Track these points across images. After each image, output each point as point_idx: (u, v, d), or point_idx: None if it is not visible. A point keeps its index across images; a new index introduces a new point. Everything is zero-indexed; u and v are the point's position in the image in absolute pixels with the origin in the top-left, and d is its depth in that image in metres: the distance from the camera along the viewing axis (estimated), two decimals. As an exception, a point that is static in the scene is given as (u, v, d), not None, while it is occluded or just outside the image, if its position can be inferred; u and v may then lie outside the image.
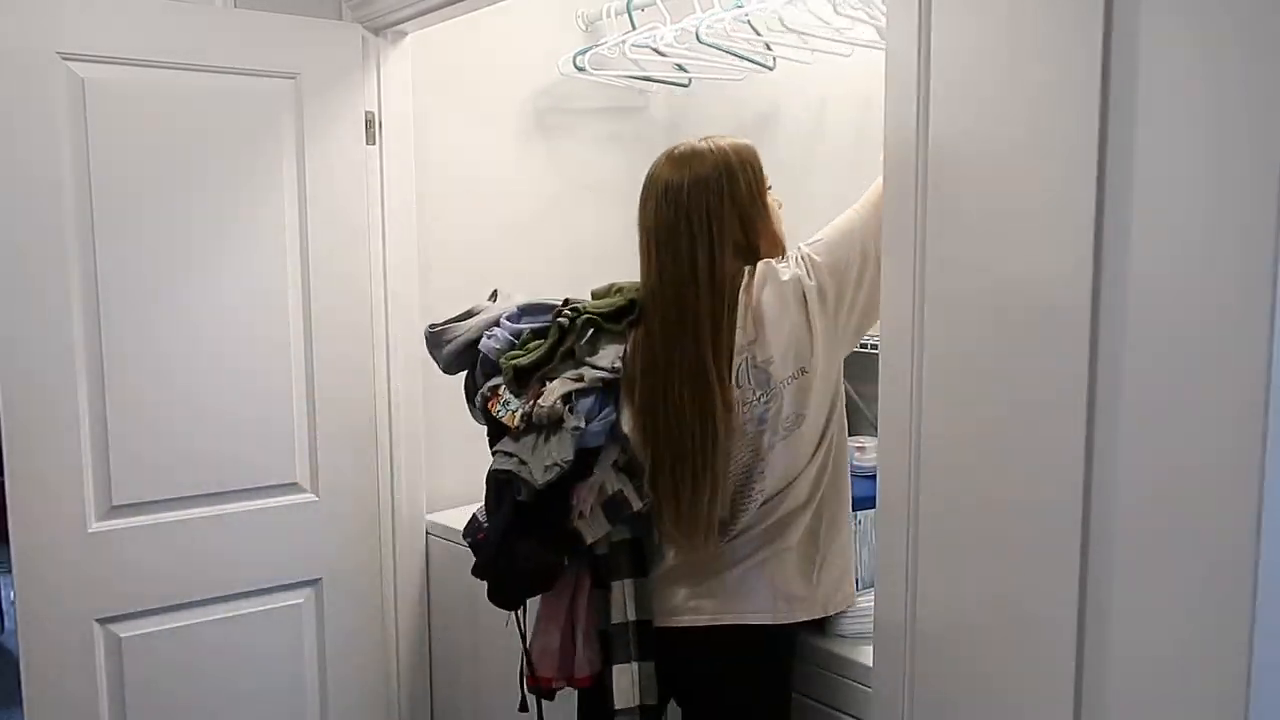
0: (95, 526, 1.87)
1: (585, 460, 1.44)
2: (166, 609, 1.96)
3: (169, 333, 1.91)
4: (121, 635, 1.92)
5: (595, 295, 1.58)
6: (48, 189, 1.78)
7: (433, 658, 2.30)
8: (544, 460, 1.40)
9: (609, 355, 1.49)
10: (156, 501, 1.93)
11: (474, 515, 1.62)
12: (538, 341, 1.52)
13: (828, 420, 1.48)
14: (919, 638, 1.20)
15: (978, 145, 1.08)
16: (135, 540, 1.91)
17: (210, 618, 2.00)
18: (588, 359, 1.48)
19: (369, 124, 2.10)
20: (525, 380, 1.50)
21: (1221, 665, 0.92)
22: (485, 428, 1.61)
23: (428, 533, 2.26)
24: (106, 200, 1.83)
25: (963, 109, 1.09)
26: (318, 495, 2.10)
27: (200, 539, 1.97)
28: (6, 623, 3.95)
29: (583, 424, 1.41)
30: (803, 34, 1.96)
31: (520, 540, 1.46)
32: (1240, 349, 0.89)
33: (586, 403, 1.45)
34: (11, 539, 1.79)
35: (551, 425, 1.43)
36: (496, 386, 1.53)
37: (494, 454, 1.50)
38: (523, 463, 1.42)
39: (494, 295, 1.69)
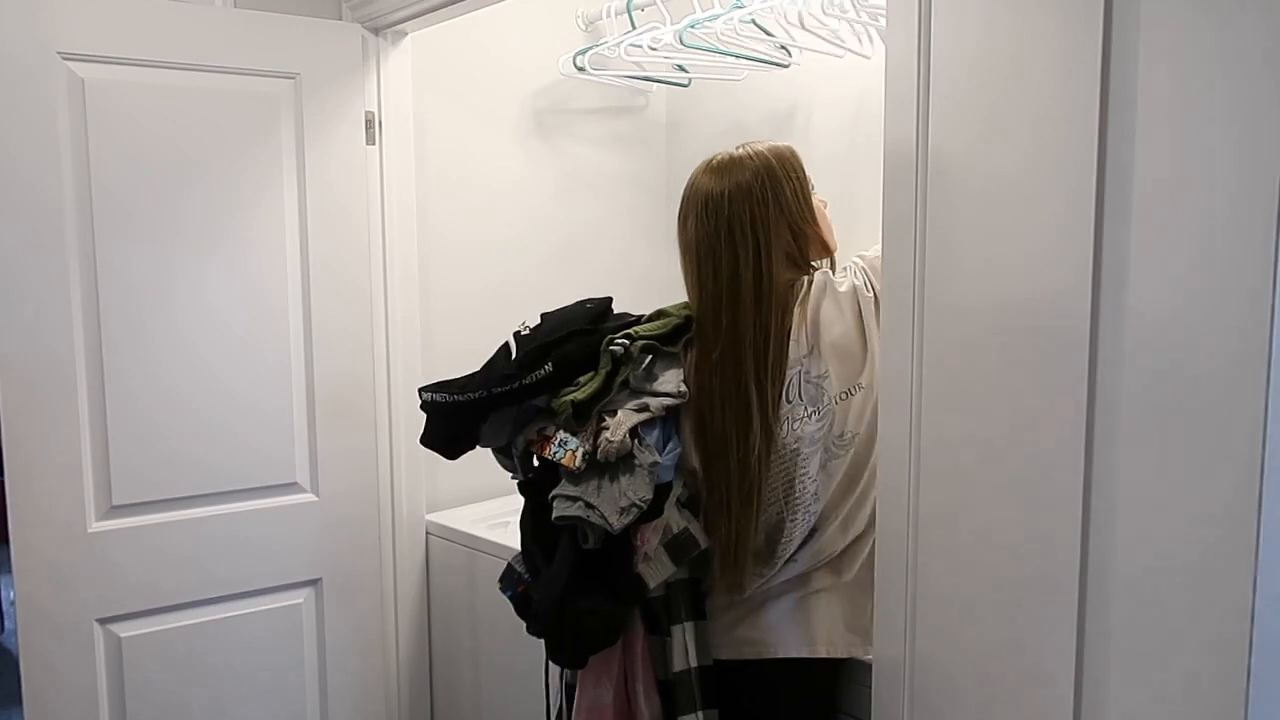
0: (95, 526, 1.87)
1: (657, 497, 1.33)
2: (166, 609, 1.96)
3: (169, 332, 1.91)
4: (121, 635, 1.91)
5: (642, 321, 1.47)
6: (47, 189, 1.78)
7: (433, 657, 2.30)
8: (618, 501, 1.29)
9: (671, 380, 1.38)
10: (156, 501, 1.93)
11: (509, 565, 1.51)
12: (588, 374, 1.40)
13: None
14: (919, 636, 1.20)
15: (977, 160, 1.08)
16: (135, 540, 1.91)
17: (210, 618, 2.00)
18: (647, 386, 1.38)
19: (369, 124, 2.10)
20: (584, 416, 1.38)
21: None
22: (511, 473, 1.51)
23: (428, 533, 2.26)
24: (106, 200, 1.82)
25: (964, 121, 1.09)
26: (318, 495, 2.10)
27: (200, 539, 1.97)
28: (6, 623, 3.96)
29: (659, 458, 1.31)
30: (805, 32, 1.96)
31: (583, 594, 1.34)
32: (1240, 363, 0.89)
33: (654, 434, 1.34)
34: (11, 539, 1.79)
35: (620, 462, 1.32)
36: (543, 429, 1.41)
37: (551, 500, 1.37)
38: (589, 506, 1.31)
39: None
